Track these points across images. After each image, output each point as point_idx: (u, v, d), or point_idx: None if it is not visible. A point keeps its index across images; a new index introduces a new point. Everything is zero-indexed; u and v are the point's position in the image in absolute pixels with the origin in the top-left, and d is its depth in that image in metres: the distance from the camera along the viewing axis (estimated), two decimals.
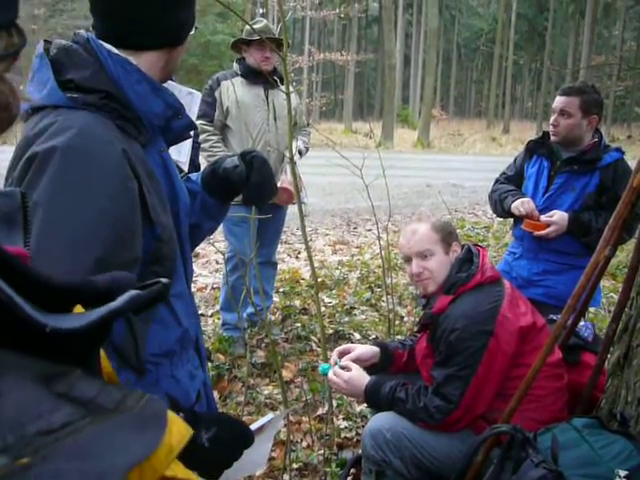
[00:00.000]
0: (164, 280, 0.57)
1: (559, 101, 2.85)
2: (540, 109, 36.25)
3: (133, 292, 0.54)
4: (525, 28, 43.69)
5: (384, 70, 26.00)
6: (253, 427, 1.29)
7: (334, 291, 5.07)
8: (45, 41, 1.18)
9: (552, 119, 2.88)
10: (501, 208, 3.03)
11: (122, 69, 1.14)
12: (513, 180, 3.09)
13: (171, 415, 0.50)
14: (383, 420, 2.07)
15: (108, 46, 1.16)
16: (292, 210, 3.89)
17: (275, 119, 3.69)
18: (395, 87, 25.65)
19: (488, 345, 1.92)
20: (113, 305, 0.51)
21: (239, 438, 1.21)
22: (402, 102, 40.97)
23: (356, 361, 2.27)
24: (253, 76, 3.64)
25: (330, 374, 2.21)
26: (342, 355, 2.30)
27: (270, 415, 1.39)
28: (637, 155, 1.74)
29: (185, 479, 0.60)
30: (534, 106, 50.99)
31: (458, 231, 2.62)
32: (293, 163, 2.55)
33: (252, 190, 1.45)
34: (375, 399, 2.12)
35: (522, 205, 2.87)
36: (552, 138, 2.90)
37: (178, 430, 0.53)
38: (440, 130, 29.37)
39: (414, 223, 2.21)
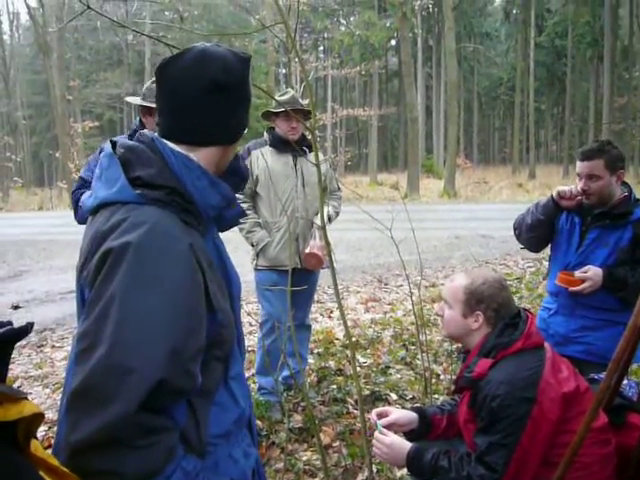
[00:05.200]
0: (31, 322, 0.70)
1: (584, 166, 2.82)
2: (565, 152, 36.14)
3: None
4: (544, 75, 44.05)
5: (406, 122, 26.38)
6: None
7: (368, 350, 5.03)
8: (110, 141, 1.29)
9: (581, 184, 2.84)
10: (535, 215, 2.97)
11: (184, 166, 1.23)
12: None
13: None
14: None
15: (171, 145, 1.26)
16: (324, 270, 3.92)
17: (303, 186, 3.78)
18: (418, 138, 25.94)
19: (531, 412, 1.89)
20: None
21: None
22: (426, 152, 41.36)
23: (393, 425, 2.26)
24: (282, 145, 3.74)
25: (374, 440, 2.19)
26: (380, 417, 2.28)
27: None
28: None
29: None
30: (558, 149, 50.92)
31: None
32: (324, 230, 2.61)
33: None
34: (417, 466, 2.09)
35: (567, 186, 2.88)
36: (585, 202, 2.87)
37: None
38: (465, 178, 29.41)
39: (462, 274, 2.26)
